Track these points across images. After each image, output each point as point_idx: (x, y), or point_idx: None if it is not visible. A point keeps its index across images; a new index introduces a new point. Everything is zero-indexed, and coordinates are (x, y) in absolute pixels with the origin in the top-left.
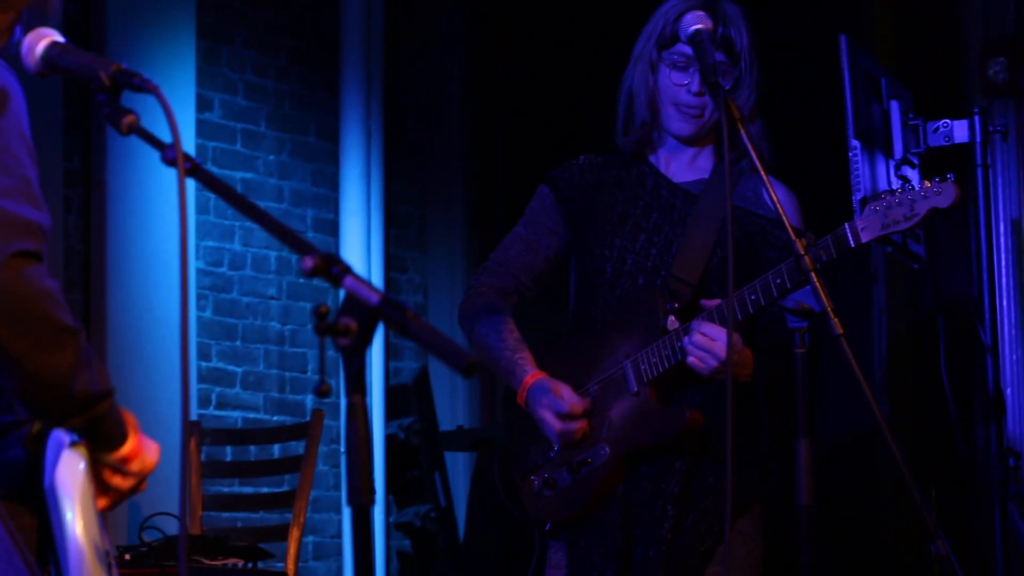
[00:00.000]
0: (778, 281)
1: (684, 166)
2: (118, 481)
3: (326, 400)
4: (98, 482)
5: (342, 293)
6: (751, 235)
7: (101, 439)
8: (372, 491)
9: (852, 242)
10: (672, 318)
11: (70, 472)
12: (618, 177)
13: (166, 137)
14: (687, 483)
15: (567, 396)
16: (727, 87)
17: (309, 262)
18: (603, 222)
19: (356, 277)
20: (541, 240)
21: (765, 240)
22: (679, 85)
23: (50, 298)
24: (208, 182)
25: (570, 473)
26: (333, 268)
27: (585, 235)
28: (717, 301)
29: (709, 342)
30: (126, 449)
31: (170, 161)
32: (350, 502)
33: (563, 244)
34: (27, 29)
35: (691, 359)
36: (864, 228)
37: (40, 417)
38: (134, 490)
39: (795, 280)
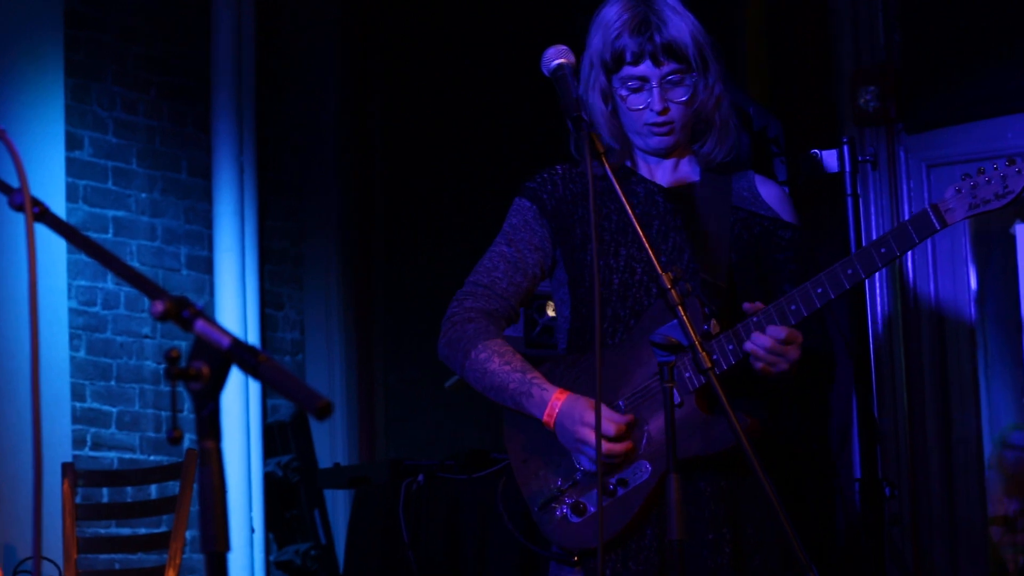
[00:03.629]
0: (819, 291)
1: (669, 172)
2: None
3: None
4: None
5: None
6: (756, 237)
7: None
8: (227, 538)
9: (937, 225)
10: (714, 321)
11: None
12: (605, 186)
13: (32, 179)
14: (733, 505)
15: (608, 414)
16: (684, 97)
17: (159, 306)
18: (601, 232)
19: (207, 320)
20: (527, 257)
21: (770, 241)
22: (640, 109)
23: None
24: (57, 227)
25: (605, 495)
26: (184, 312)
27: (581, 247)
28: (759, 305)
29: (780, 347)
30: None
31: (17, 207)
32: (204, 550)
33: (548, 260)
34: None
35: (760, 364)
36: (950, 209)
37: None
38: None
39: (838, 289)
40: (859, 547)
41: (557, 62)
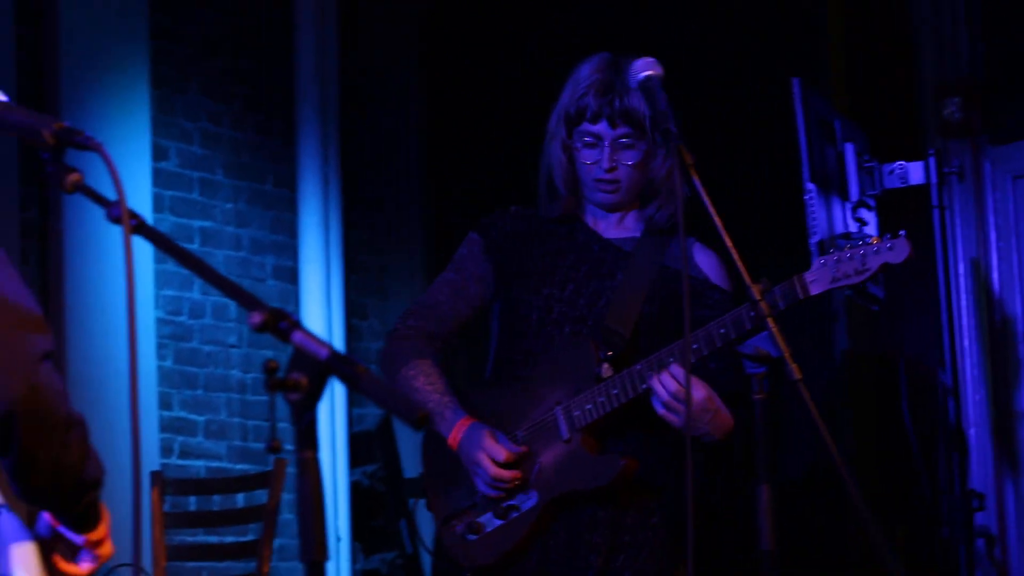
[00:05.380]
0: (721, 331)
1: (613, 225)
2: (74, 570)
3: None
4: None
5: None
6: (682, 295)
7: (86, 521)
8: (325, 547)
9: (800, 294)
10: (606, 366)
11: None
12: (549, 229)
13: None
14: (611, 535)
15: (503, 443)
16: (632, 161)
17: (257, 317)
18: (531, 271)
19: (305, 331)
20: (470, 287)
21: (696, 300)
22: (591, 164)
23: (63, 395)
24: (154, 239)
25: (497, 518)
26: (281, 323)
27: (512, 283)
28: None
29: (680, 390)
30: (101, 530)
31: (115, 219)
32: (303, 559)
33: (490, 292)
34: None
35: (662, 411)
36: (813, 281)
37: (49, 508)
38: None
39: (739, 331)
40: (950, 559)
41: (645, 73)
